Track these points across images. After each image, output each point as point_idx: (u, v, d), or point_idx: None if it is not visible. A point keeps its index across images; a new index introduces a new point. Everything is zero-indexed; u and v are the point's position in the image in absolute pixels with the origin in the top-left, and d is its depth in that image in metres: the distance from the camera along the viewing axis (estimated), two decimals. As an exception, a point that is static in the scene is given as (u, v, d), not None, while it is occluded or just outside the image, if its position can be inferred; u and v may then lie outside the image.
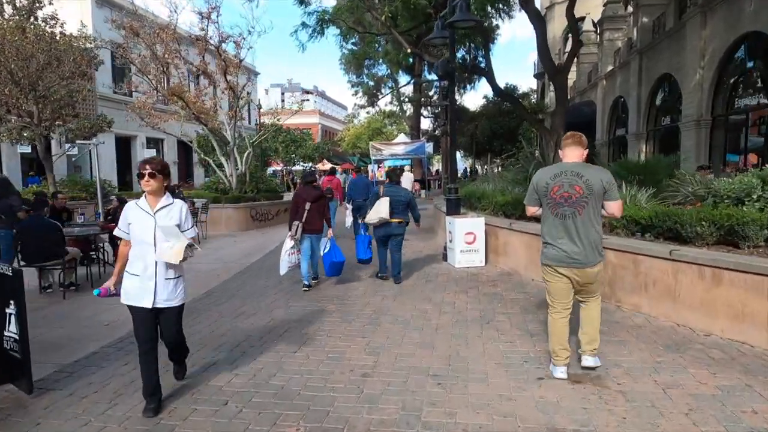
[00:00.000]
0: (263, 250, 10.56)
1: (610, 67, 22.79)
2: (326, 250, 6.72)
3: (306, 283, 6.64)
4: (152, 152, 28.34)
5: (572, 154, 3.69)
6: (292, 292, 6.65)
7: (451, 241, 8.11)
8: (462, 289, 6.61)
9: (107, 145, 27.33)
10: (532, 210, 3.87)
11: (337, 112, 75.06)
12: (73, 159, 23.83)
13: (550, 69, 16.63)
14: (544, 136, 17.35)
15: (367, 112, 42.10)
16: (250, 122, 27.51)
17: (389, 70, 35.78)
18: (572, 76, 32.71)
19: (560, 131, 16.97)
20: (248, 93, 16.03)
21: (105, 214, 10.13)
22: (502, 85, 44.47)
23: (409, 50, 16.37)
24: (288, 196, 18.61)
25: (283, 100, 72.34)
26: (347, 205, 11.05)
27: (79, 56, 16.27)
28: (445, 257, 8.51)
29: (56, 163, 24.30)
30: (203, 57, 13.77)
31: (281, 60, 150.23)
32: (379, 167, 27.17)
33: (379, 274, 7.29)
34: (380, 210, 6.65)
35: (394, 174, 7.29)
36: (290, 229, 6.48)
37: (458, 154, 42.50)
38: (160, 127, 13.96)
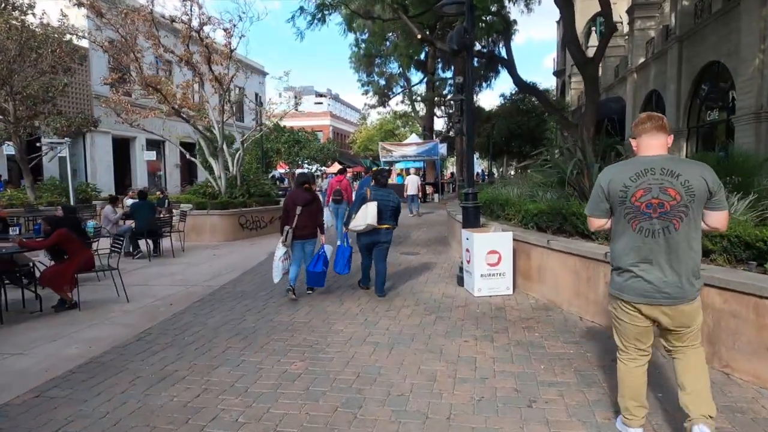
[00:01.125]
0: (244, 266, 8.86)
1: (641, 59, 20.79)
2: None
3: (291, 285, 6.23)
4: (152, 154, 27.02)
5: (654, 143, 2.64)
6: (253, 335, 4.90)
7: (468, 262, 6.30)
8: (485, 333, 4.79)
9: (102, 146, 26.04)
10: (598, 223, 2.85)
11: (350, 115, 73.87)
12: (62, 158, 22.53)
13: (579, 59, 14.72)
14: (571, 134, 15.46)
15: (378, 113, 40.36)
16: (252, 121, 26.01)
17: (400, 68, 34.20)
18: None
19: (590, 127, 15.06)
20: (241, 88, 14.37)
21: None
22: (537, 71, 42.31)
23: (419, 36, 14.62)
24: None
25: (296, 104, 71.95)
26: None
27: (58, 48, 14.85)
28: (461, 281, 6.71)
29: (48, 166, 23.14)
30: (188, 45, 12.16)
31: (296, 64, 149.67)
32: (389, 170, 25.40)
33: (362, 284, 6.70)
34: (368, 215, 6.00)
35: (381, 176, 6.57)
36: (281, 234, 6.16)
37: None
38: (139, 124, 12.38)
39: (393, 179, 24.45)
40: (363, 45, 31.98)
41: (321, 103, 68.92)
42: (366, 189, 6.41)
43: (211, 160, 13.64)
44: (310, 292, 6.50)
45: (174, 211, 13.16)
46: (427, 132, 31.31)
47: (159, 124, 20.88)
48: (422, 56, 28.35)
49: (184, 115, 12.40)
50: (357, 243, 6.42)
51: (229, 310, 5.89)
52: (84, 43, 16.95)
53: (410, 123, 56.97)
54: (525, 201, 7.22)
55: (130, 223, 10.16)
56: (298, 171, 28.18)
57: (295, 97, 14.43)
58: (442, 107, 37.70)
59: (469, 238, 6.25)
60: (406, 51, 21.17)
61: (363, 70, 34.53)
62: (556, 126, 34.62)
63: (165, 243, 10.36)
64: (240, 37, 13.31)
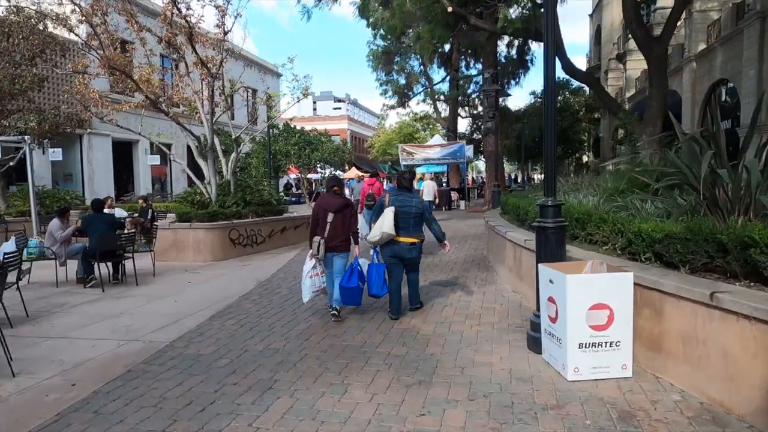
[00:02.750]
0: (222, 300, 6.54)
1: (702, 46, 18.01)
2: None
3: (335, 307, 5.42)
4: (156, 158, 25.11)
5: None
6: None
7: (554, 320, 3.83)
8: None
9: (101, 149, 24.14)
10: None
11: (369, 120, 72.24)
12: (55, 162, 20.73)
13: (642, 37, 12.10)
14: (634, 129, 12.84)
15: (397, 113, 38.01)
16: (263, 122, 23.68)
17: (421, 66, 31.96)
18: (638, 65, 27.85)
19: (657, 122, 12.43)
20: (237, 80, 12.18)
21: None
22: (556, 77, 39.74)
23: (450, 9, 12.22)
24: (299, 210, 14.70)
25: (315, 109, 70.21)
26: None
27: (30, 35, 12.88)
28: (535, 343, 4.24)
29: (39, 170, 21.33)
30: (170, 24, 9.99)
31: (315, 71, 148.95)
32: (412, 171, 23.00)
33: (392, 315, 5.51)
34: (383, 224, 5.25)
35: (404, 178, 5.77)
36: (311, 247, 5.44)
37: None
38: (112, 119, 10.23)
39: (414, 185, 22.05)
40: (380, 41, 29.92)
41: (339, 108, 67.29)
42: (386, 194, 5.63)
43: (200, 161, 11.44)
44: (334, 313, 5.40)
45: (159, 222, 11.00)
46: (451, 133, 28.85)
47: (160, 124, 18.90)
48: (446, 48, 25.98)
49: (164, 108, 10.23)
50: (382, 257, 5.48)
51: (155, 404, 3.53)
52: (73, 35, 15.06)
53: (431, 126, 54.69)
54: (628, 218, 4.73)
55: (84, 242, 7.98)
56: (312, 176, 26.00)
57: (303, 88, 12.14)
58: (466, 107, 35.23)
59: (555, 280, 3.78)
60: (430, 40, 18.81)
61: (381, 69, 32.31)
62: (590, 125, 31.82)
63: (150, 261, 8.13)
64: (236, 17, 11.13)
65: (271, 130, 22.27)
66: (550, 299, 3.87)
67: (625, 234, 4.48)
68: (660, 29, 12.81)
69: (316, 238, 5.34)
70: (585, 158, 39.60)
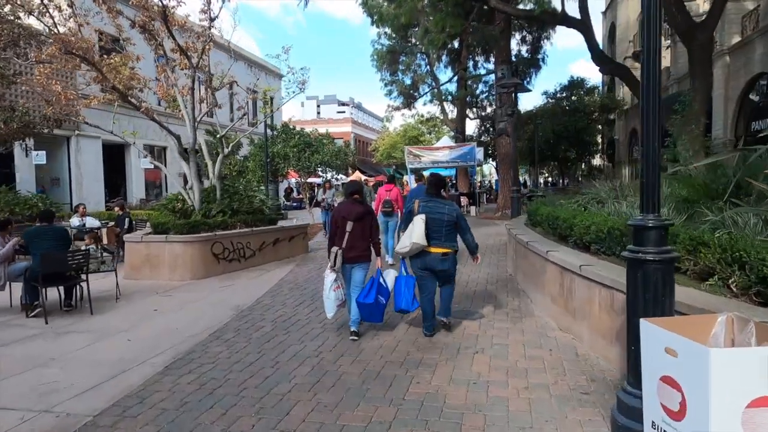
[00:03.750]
0: (191, 337, 5.12)
1: (736, 38, 16.54)
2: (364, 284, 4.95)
3: (353, 330, 4.99)
4: (147, 161, 23.79)
5: None
6: None
7: (679, 416, 2.36)
8: None
9: (90, 152, 22.81)
10: None
11: (373, 123, 71.08)
12: (39, 166, 19.47)
13: (684, 22, 10.65)
14: (672, 127, 11.35)
15: (402, 115, 36.65)
16: (271, 121, 22.19)
17: (428, 67, 30.68)
18: (663, 61, 26.23)
19: (701, 118, 10.95)
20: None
21: None
22: (566, 79, 38.07)
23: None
24: (300, 216, 13.30)
25: (318, 113, 69.00)
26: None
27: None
28: (626, 414, 2.79)
29: (23, 174, 20.07)
30: (145, 6, 8.62)
31: (319, 75, 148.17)
32: (418, 180, 21.59)
33: (426, 331, 5.00)
34: (413, 233, 4.75)
35: (433, 183, 5.28)
36: (329, 258, 5.06)
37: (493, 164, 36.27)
38: (81, 117, 8.87)
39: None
40: (385, 40, 28.76)
41: (343, 111, 66.21)
42: (415, 201, 5.14)
43: (183, 164, 10.07)
44: (354, 338, 4.97)
45: (132, 234, 9.63)
46: (459, 135, 27.47)
47: (153, 125, 17.52)
48: (455, 45, 24.66)
49: (135, 101, 8.86)
50: (412, 269, 5.06)
51: None
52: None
53: (436, 129, 53.37)
54: (751, 240, 3.29)
55: (28, 260, 6.59)
56: (312, 180, 24.59)
57: (300, 81, 10.74)
58: (475, 108, 33.82)
59: (682, 353, 2.32)
60: (440, 32, 17.44)
61: (386, 69, 31.02)
62: (606, 126, 30.25)
63: (109, 282, 6.72)
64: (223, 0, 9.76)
65: (269, 132, 20.93)
66: (668, 380, 2.41)
67: (754, 266, 3.02)
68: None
69: (333, 249, 5.05)
70: (597, 161, 38.06)
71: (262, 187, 11.42)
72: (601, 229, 4.96)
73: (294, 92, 10.93)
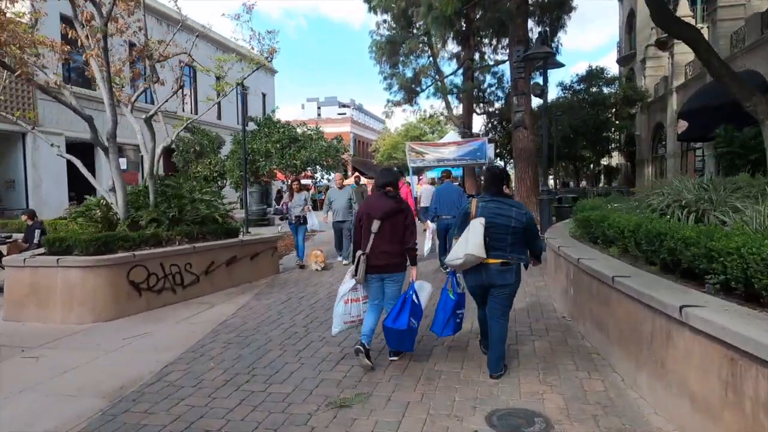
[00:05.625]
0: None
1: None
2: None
3: (362, 342, 4.06)
4: (122, 162, 21.10)
5: None
6: None
7: None
8: None
9: (51, 151, 20.38)
10: None
11: (374, 124, 69.00)
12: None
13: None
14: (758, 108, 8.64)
15: (403, 110, 34.03)
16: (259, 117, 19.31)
17: (431, 59, 28.21)
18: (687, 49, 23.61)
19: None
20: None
21: None
22: (584, 69, 34.99)
23: None
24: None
25: (319, 114, 66.67)
26: (429, 223, 8.29)
27: None
28: None
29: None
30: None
31: (320, 77, 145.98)
32: (419, 180, 18.94)
33: (483, 347, 4.27)
34: (468, 242, 3.74)
35: (491, 178, 4.04)
36: (352, 261, 4.49)
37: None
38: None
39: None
40: (384, 30, 26.51)
41: (344, 113, 64.16)
42: (471, 200, 4.01)
43: (106, 157, 7.43)
44: (394, 358, 4.22)
45: (12, 256, 6.97)
46: (467, 130, 24.84)
47: (124, 120, 15.07)
48: (463, 25, 22.11)
49: (7, 62, 6.24)
50: (465, 285, 4.10)
51: None
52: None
53: (439, 129, 50.97)
54: None
55: None
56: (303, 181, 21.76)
57: (270, 49, 8.11)
58: (482, 104, 31.15)
59: None
60: (444, 11, 14.86)
61: (385, 61, 28.50)
62: (629, 121, 27.43)
63: None
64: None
65: (254, 127, 18.24)
66: None
67: None
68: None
69: (357, 253, 4.15)
70: (614, 160, 35.29)
71: (209, 188, 8.67)
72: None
73: (260, 63, 8.27)
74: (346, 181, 15.07)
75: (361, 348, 4.03)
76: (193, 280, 6.98)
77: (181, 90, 8.70)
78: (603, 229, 5.13)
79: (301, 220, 9.20)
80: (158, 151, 7.96)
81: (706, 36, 20.55)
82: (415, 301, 4.11)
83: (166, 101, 7.74)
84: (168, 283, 6.62)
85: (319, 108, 67.84)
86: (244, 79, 8.26)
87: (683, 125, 17.01)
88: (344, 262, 9.16)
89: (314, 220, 9.32)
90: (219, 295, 7.09)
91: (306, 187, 9.38)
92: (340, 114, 65.15)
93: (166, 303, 6.53)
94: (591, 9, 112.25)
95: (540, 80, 16.50)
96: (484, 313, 4.12)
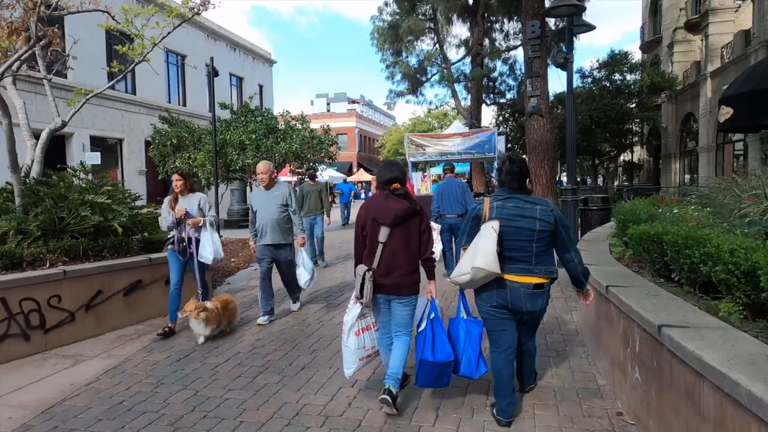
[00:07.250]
0: None
1: None
2: (421, 329, 3.25)
3: (388, 387, 3.17)
4: (96, 156, 19.05)
5: None
6: None
7: None
8: None
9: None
10: None
11: (385, 120, 67.05)
12: None
13: None
14: None
15: (407, 102, 31.92)
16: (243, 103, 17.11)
17: (436, 45, 26.12)
18: (727, 28, 21.04)
19: None
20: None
21: None
22: (605, 54, 32.19)
23: None
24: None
25: (328, 110, 64.70)
26: (434, 224, 6.66)
27: None
28: None
29: None
30: None
31: (330, 74, 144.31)
32: (423, 177, 16.71)
33: (501, 417, 3.09)
34: (477, 254, 2.84)
35: (515, 172, 3.02)
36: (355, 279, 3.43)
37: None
38: None
39: (427, 190, 15.83)
40: (387, 16, 24.60)
41: (354, 109, 62.32)
42: (485, 199, 3.06)
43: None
44: (385, 398, 3.19)
45: None
46: (475, 122, 22.56)
47: (103, 113, 13.33)
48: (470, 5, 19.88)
49: None
50: (479, 308, 3.11)
51: None
52: None
53: (447, 123, 48.78)
54: None
55: None
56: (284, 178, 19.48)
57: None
58: (492, 94, 28.76)
59: None
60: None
61: (388, 48, 26.33)
62: (654, 112, 24.83)
63: None
64: None
65: (228, 114, 16.11)
66: None
67: None
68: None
69: (360, 269, 3.29)
70: (635, 155, 32.63)
71: (105, 187, 6.43)
72: None
73: (185, 15, 6.10)
74: (282, 177, 11.62)
75: (389, 397, 3.12)
76: (65, 318, 4.83)
77: (63, 51, 6.54)
78: (692, 259, 2.87)
79: (183, 249, 5.10)
80: (44, 135, 5.85)
81: (700, 47, 18.19)
82: (441, 323, 3.31)
83: (21, 59, 5.56)
84: (18, 327, 4.49)
85: (328, 104, 66.38)
86: (164, 38, 6.09)
87: (728, 111, 14.59)
88: (293, 309, 6.03)
89: (215, 246, 5.09)
90: (102, 340, 4.93)
91: (190, 187, 4.63)
92: (349, 110, 63.35)
93: (11, 357, 4.39)
94: (606, 5, 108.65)
95: (553, 70, 14.15)
96: (502, 361, 3.04)
